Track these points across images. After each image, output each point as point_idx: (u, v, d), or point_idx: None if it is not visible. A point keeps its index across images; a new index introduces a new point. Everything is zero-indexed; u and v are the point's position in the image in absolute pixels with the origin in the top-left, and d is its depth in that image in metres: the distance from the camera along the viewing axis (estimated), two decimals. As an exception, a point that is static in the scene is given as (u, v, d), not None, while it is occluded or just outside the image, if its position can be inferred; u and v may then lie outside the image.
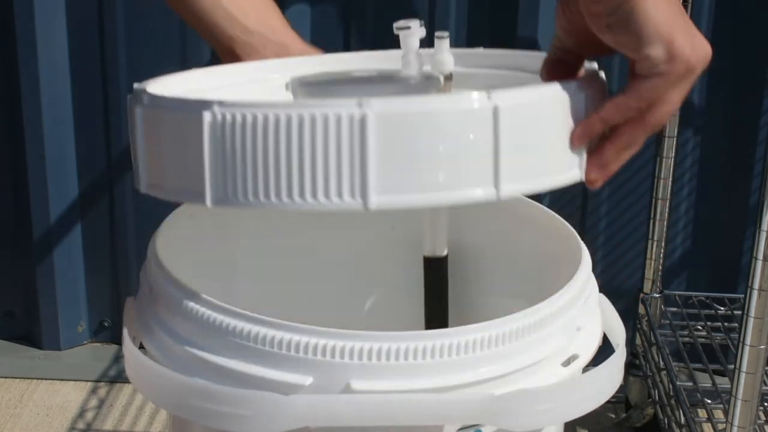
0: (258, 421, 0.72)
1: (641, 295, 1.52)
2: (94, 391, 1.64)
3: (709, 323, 1.52)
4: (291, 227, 1.04)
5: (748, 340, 1.09)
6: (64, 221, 1.64)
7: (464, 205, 0.68)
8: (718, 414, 1.33)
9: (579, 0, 0.68)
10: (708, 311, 1.54)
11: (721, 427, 1.25)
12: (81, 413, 1.59)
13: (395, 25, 0.85)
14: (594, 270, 0.87)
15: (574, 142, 0.69)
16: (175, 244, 0.88)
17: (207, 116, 0.67)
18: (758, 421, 1.19)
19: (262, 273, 1.04)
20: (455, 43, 1.58)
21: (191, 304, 0.76)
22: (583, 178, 0.71)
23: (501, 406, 0.74)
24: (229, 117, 0.67)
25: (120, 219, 1.64)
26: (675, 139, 1.45)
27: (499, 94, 0.67)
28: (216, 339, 0.75)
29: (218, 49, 0.93)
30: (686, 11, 1.39)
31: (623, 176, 1.60)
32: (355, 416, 0.72)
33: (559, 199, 1.61)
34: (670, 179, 1.46)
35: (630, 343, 1.51)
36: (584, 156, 0.71)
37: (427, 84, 0.84)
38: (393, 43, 1.54)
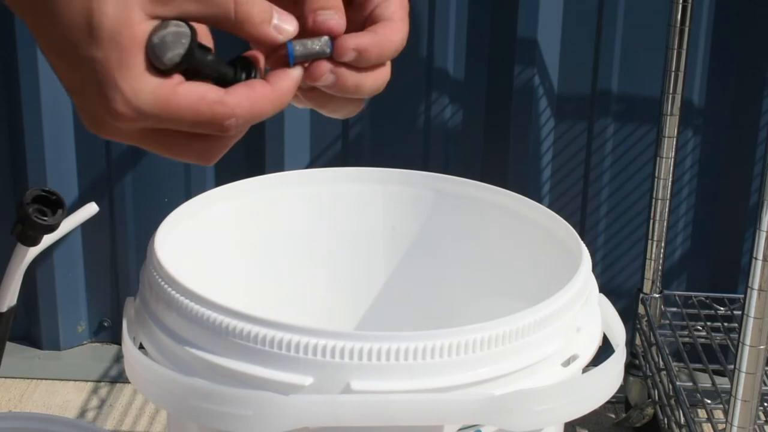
0: (258, 421, 0.72)
1: (641, 295, 1.52)
2: (94, 391, 1.64)
3: (708, 323, 1.52)
4: (290, 228, 1.04)
5: (747, 340, 1.09)
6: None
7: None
8: (718, 414, 1.33)
9: None
10: (708, 311, 1.54)
11: (721, 427, 1.25)
12: (81, 413, 1.59)
13: None
14: (594, 270, 0.87)
15: None
16: (174, 244, 0.88)
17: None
18: (758, 421, 1.19)
19: (261, 273, 1.04)
20: (455, 44, 1.59)
21: (191, 304, 0.76)
22: None
23: (501, 406, 0.74)
24: None
25: (120, 219, 1.65)
26: (675, 139, 1.45)
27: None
28: (216, 339, 0.75)
29: None
30: (686, 11, 1.39)
31: (623, 176, 1.60)
32: (355, 416, 0.72)
33: (559, 199, 1.61)
34: (670, 179, 1.46)
35: (630, 343, 1.51)
36: None
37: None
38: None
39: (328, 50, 0.56)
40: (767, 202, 1.05)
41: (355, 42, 0.56)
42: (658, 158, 1.46)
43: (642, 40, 1.53)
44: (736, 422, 1.13)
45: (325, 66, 0.56)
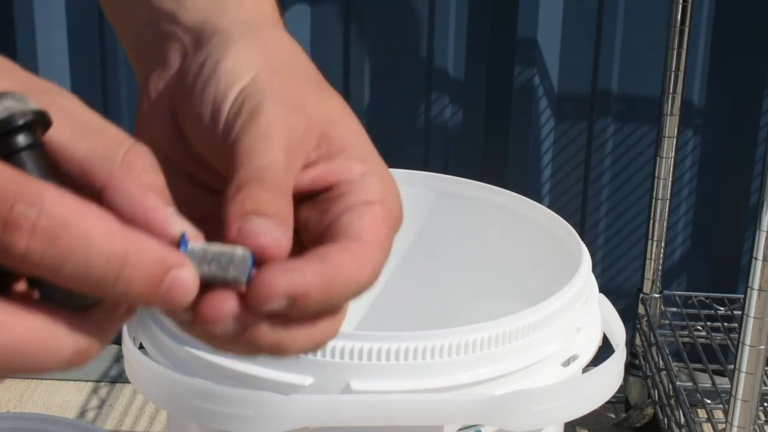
0: (258, 421, 0.72)
1: (641, 295, 1.52)
2: (94, 391, 1.64)
3: (708, 323, 1.52)
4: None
5: (747, 340, 1.09)
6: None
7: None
8: (718, 414, 1.33)
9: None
10: (708, 311, 1.54)
11: (721, 427, 1.25)
12: (81, 413, 1.59)
13: None
14: (594, 270, 0.87)
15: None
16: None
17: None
18: (758, 421, 1.19)
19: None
20: (455, 44, 1.59)
21: (191, 304, 0.76)
22: None
23: (501, 406, 0.74)
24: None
25: (120, 219, 1.65)
26: (675, 139, 1.45)
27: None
28: (216, 339, 0.75)
29: (132, 31, 0.45)
30: (686, 11, 1.39)
31: (623, 176, 1.60)
32: (355, 416, 0.72)
33: (559, 199, 1.61)
34: (670, 179, 1.46)
35: (630, 343, 1.51)
36: None
37: None
38: (393, 43, 1.54)
39: (243, 276, 0.34)
40: (767, 202, 1.05)
41: (289, 283, 0.33)
42: (658, 158, 1.46)
43: (642, 40, 1.53)
44: (736, 422, 1.13)
45: (228, 304, 0.33)
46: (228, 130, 0.38)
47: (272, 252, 0.34)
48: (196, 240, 0.34)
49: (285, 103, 0.38)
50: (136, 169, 0.34)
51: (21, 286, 0.33)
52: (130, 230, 0.32)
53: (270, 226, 0.34)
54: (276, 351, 0.35)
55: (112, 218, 0.31)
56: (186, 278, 0.32)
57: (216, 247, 0.34)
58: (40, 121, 0.33)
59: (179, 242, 0.33)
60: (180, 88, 0.40)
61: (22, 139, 0.33)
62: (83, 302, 0.32)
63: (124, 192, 0.33)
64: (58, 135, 0.34)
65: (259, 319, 0.34)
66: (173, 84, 0.41)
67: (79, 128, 0.34)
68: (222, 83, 0.39)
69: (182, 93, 0.40)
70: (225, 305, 0.33)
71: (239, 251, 0.34)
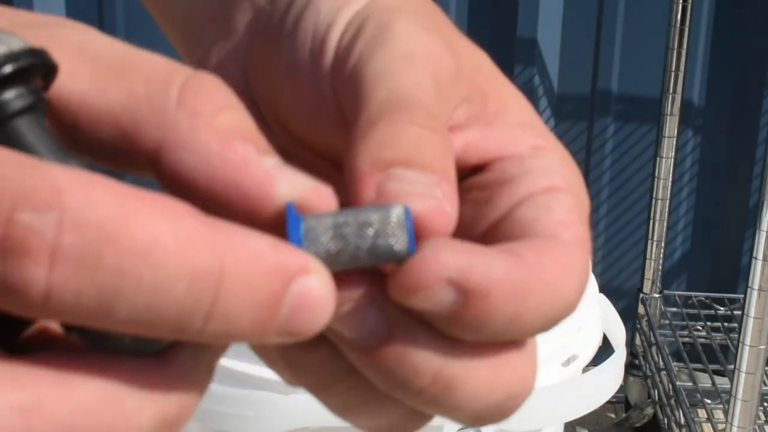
0: (258, 421, 0.72)
1: (641, 295, 1.52)
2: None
3: (708, 323, 1.52)
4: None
5: (747, 340, 1.09)
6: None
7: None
8: (718, 414, 1.33)
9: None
10: (708, 311, 1.54)
11: (721, 427, 1.25)
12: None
13: None
14: (594, 270, 0.87)
15: None
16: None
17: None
18: (758, 421, 1.19)
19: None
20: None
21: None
22: None
23: (501, 406, 0.74)
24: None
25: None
26: (675, 139, 1.45)
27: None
28: (216, 339, 0.75)
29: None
30: (686, 11, 1.39)
31: (623, 176, 1.60)
32: (355, 416, 0.72)
33: (559, 199, 1.61)
34: (670, 179, 1.46)
35: (630, 343, 1.51)
36: None
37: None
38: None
39: (402, 245, 0.22)
40: (767, 202, 1.05)
41: (462, 265, 0.22)
42: (658, 158, 1.46)
43: (642, 40, 1.53)
44: (736, 422, 1.13)
45: (362, 293, 0.23)
46: (342, 59, 0.25)
47: (432, 223, 0.22)
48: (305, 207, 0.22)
49: (426, 26, 0.26)
50: (205, 109, 0.22)
51: (53, 325, 0.21)
52: (217, 225, 0.19)
53: (428, 185, 0.22)
54: (440, 390, 0.23)
55: (185, 208, 0.19)
56: (316, 288, 0.20)
57: (348, 215, 0.22)
58: (40, 68, 0.21)
59: (285, 211, 0.22)
60: (251, 49, 0.28)
61: (14, 98, 0.20)
62: (155, 345, 0.21)
63: (193, 147, 0.22)
64: (71, 84, 0.22)
65: (412, 328, 0.23)
66: (240, 51, 0.28)
67: (101, 68, 0.22)
68: (324, 11, 0.26)
69: (255, 54, 0.27)
70: (362, 299, 0.22)
71: (388, 207, 0.22)
